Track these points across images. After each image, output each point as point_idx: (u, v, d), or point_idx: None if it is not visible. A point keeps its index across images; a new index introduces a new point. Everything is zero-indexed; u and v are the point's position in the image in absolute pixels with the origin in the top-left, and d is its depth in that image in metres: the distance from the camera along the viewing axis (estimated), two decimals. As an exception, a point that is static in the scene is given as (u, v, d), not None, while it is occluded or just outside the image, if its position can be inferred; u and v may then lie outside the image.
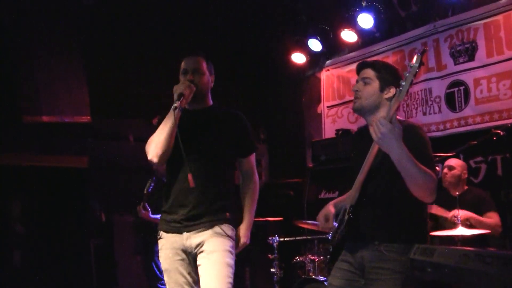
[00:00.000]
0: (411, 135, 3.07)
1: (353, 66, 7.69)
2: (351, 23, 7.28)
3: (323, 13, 7.66)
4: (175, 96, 3.44)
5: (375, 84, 3.32)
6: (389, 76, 3.33)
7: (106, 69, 7.71)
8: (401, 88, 2.89)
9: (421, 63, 2.90)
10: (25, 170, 7.40)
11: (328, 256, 3.25)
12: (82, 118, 7.17)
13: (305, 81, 8.56)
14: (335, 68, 7.99)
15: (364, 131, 3.42)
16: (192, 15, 7.80)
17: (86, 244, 7.70)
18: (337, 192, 6.89)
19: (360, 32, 7.38)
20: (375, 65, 3.37)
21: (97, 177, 8.06)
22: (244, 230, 3.70)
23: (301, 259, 5.87)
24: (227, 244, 3.52)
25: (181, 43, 7.55)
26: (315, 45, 7.77)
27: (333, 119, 7.97)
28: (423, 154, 3.05)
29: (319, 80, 8.25)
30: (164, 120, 3.49)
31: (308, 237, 6.20)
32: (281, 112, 8.83)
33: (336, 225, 3.30)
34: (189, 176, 3.45)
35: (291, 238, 6.07)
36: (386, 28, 7.32)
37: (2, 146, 7.26)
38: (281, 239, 5.87)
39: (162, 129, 3.48)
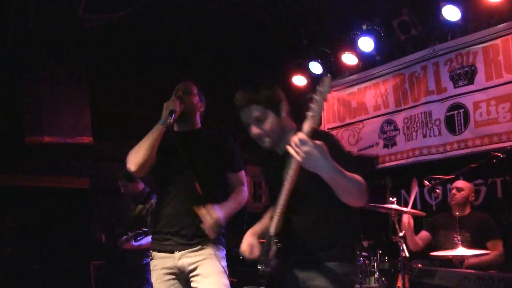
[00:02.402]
0: (331, 143, 2.87)
1: (354, 89, 7.78)
2: (352, 46, 7.34)
3: (324, 36, 7.72)
4: (166, 112, 3.54)
5: (269, 115, 3.10)
6: (271, 95, 3.14)
7: (108, 91, 7.76)
8: (312, 114, 2.64)
9: (329, 87, 2.65)
10: (27, 190, 7.40)
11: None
12: (84, 139, 7.19)
13: (306, 103, 8.56)
14: (336, 90, 8.02)
15: (273, 152, 3.22)
16: (192, 39, 7.86)
17: (86, 265, 7.67)
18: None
19: (361, 55, 7.44)
20: (254, 99, 3.10)
21: (98, 198, 8.07)
22: (218, 209, 3.53)
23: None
24: (221, 265, 3.56)
25: (182, 67, 7.61)
26: (316, 68, 7.83)
27: (333, 142, 7.99)
28: (346, 159, 2.92)
29: (320, 102, 8.27)
30: (150, 132, 3.58)
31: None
32: (282, 134, 8.84)
33: (264, 258, 3.04)
34: (197, 185, 3.53)
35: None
36: (386, 52, 7.39)
37: (4, 166, 7.28)
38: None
39: (145, 140, 3.57)
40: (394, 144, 7.21)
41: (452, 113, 6.62)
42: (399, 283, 4.81)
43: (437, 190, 5.28)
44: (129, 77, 7.72)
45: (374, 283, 4.83)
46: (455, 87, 6.60)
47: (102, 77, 7.68)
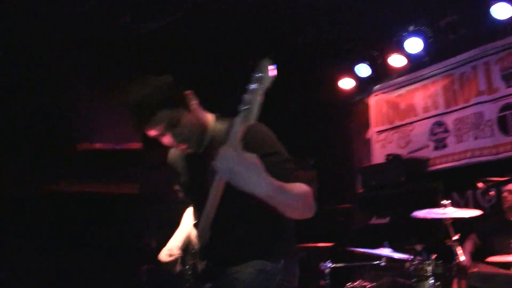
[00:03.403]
0: (265, 142, 2.60)
1: (402, 91, 7.69)
2: (400, 48, 7.26)
3: (371, 38, 7.64)
4: None
5: (180, 115, 2.67)
6: (168, 93, 2.68)
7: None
8: (244, 107, 2.13)
9: (267, 71, 2.11)
10: (78, 197, 7.53)
11: None
12: (134, 146, 7.28)
13: (353, 106, 8.52)
14: (384, 93, 7.95)
15: (194, 154, 2.83)
16: (236, 42, 7.86)
17: (138, 270, 7.75)
18: (388, 218, 6.82)
19: (409, 56, 7.35)
20: (157, 103, 2.62)
21: (147, 203, 8.16)
22: None
23: (353, 285, 5.78)
24: None
25: (227, 71, 7.63)
26: (363, 70, 7.77)
27: (382, 144, 7.92)
28: (284, 160, 2.60)
29: (368, 105, 8.22)
30: None
31: (361, 263, 6.13)
32: (330, 138, 8.80)
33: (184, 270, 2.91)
34: None
35: (343, 264, 5.99)
36: (435, 52, 7.26)
37: (56, 173, 7.42)
38: (334, 265, 5.80)
39: None
40: (445, 146, 7.09)
41: (504, 113, 6.48)
42: (455, 288, 4.73)
43: (490, 193, 5.19)
44: (180, 81, 7.79)
45: (429, 287, 4.74)
46: (507, 87, 6.45)
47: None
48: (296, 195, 2.41)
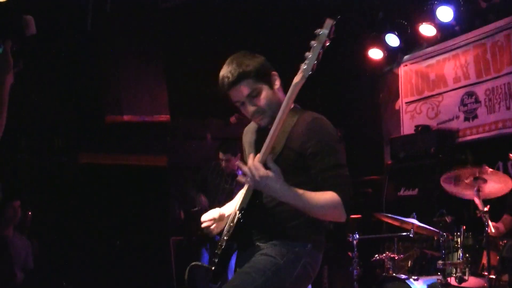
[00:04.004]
0: (314, 134, 2.76)
1: (432, 61, 7.55)
2: (430, 17, 7.09)
3: (401, 7, 7.50)
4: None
5: (262, 88, 2.87)
6: (260, 66, 2.88)
7: (184, 70, 7.83)
8: (304, 66, 2.47)
9: (332, 32, 2.43)
10: (107, 169, 7.61)
11: (215, 264, 2.90)
12: (162, 118, 7.30)
13: (383, 77, 8.42)
14: (414, 63, 7.82)
15: (263, 130, 2.94)
16: (268, 14, 7.79)
17: (166, 242, 7.83)
18: (416, 190, 6.76)
19: (439, 25, 7.18)
20: (244, 74, 2.83)
21: (175, 175, 8.21)
22: None
23: (380, 257, 5.76)
24: None
25: (260, 43, 7.58)
26: (392, 40, 7.63)
27: (411, 115, 7.82)
28: (331, 164, 2.74)
29: (397, 76, 8.10)
30: None
31: (388, 235, 6.10)
32: (359, 109, 8.73)
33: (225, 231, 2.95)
34: None
35: (371, 236, 5.97)
36: (466, 21, 7.08)
37: (85, 145, 7.50)
38: (361, 237, 5.79)
39: None
40: (476, 117, 6.97)
41: (538, 83, 6.35)
42: (484, 260, 4.67)
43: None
44: (205, 55, 7.77)
45: (458, 259, 4.70)
46: (541, 56, 6.31)
47: (178, 55, 7.75)
48: (321, 206, 2.69)
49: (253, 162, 2.60)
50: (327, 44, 2.49)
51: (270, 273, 2.72)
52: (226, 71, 2.90)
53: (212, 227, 3.05)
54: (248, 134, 3.16)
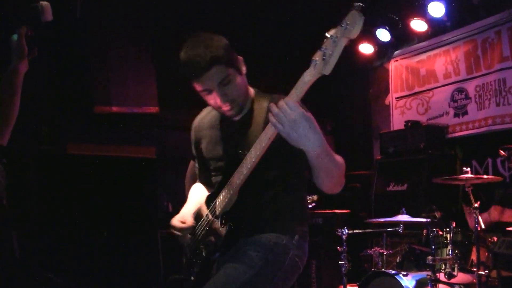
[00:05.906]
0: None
1: (423, 57, 7.55)
2: (421, 12, 7.10)
3: (392, 2, 7.49)
4: None
5: (234, 75, 2.64)
6: (230, 50, 2.66)
7: (173, 60, 7.76)
8: (324, 57, 2.06)
9: (355, 23, 2.04)
10: (95, 159, 7.54)
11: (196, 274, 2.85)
12: (150, 109, 7.24)
13: (373, 72, 8.41)
14: (404, 58, 7.82)
15: (214, 118, 2.87)
16: (259, 8, 7.75)
17: (154, 234, 7.78)
18: (405, 185, 6.76)
19: (430, 21, 7.19)
20: (215, 58, 2.57)
21: (164, 167, 8.15)
22: None
23: (369, 252, 5.77)
24: None
25: (248, 35, 7.54)
26: (383, 35, 7.63)
27: (401, 111, 7.82)
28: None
29: (387, 71, 8.10)
30: None
31: (377, 230, 6.11)
32: (348, 103, 8.72)
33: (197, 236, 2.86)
34: None
35: (360, 231, 5.97)
36: (457, 17, 7.09)
37: (73, 135, 7.43)
38: (350, 231, 5.78)
39: None
40: (465, 113, 6.98)
41: (528, 80, 6.36)
42: (473, 256, 4.68)
43: None
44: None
45: (447, 255, 4.71)
46: (532, 53, 6.32)
47: (167, 46, 7.68)
48: (338, 163, 2.47)
49: (287, 100, 2.22)
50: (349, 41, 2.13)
51: (258, 267, 2.66)
52: (192, 54, 2.65)
53: (187, 236, 2.95)
54: (205, 127, 2.98)
